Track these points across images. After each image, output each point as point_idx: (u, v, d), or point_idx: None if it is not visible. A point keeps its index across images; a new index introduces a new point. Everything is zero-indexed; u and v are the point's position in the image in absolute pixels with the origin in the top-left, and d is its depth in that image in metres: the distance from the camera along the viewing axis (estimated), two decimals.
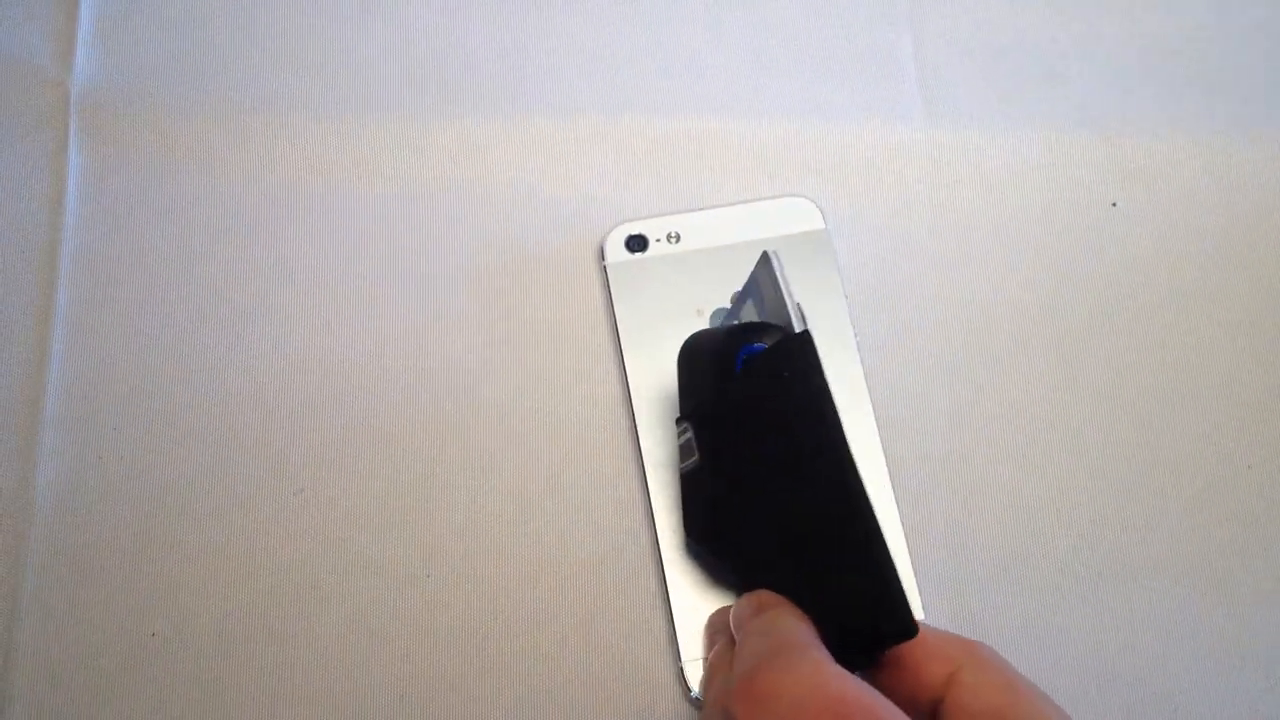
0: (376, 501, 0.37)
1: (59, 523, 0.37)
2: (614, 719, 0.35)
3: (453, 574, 0.37)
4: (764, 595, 0.31)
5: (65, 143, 0.41)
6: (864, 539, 0.29)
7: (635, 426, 0.38)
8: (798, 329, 0.31)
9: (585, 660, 0.36)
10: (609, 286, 0.40)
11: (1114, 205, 0.43)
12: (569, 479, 0.38)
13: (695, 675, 0.35)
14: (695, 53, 0.44)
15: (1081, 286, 0.42)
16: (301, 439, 0.38)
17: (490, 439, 0.38)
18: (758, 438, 0.32)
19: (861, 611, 0.29)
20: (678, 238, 0.41)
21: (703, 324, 0.39)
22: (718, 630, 0.34)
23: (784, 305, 0.32)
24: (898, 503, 0.38)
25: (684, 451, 0.36)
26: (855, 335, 0.39)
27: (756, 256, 0.34)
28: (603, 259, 0.40)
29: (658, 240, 0.40)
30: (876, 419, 0.38)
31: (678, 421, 0.36)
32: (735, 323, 0.36)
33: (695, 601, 0.35)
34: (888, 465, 0.38)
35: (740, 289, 0.36)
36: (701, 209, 0.41)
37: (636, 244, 0.40)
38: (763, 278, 0.34)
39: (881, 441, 0.38)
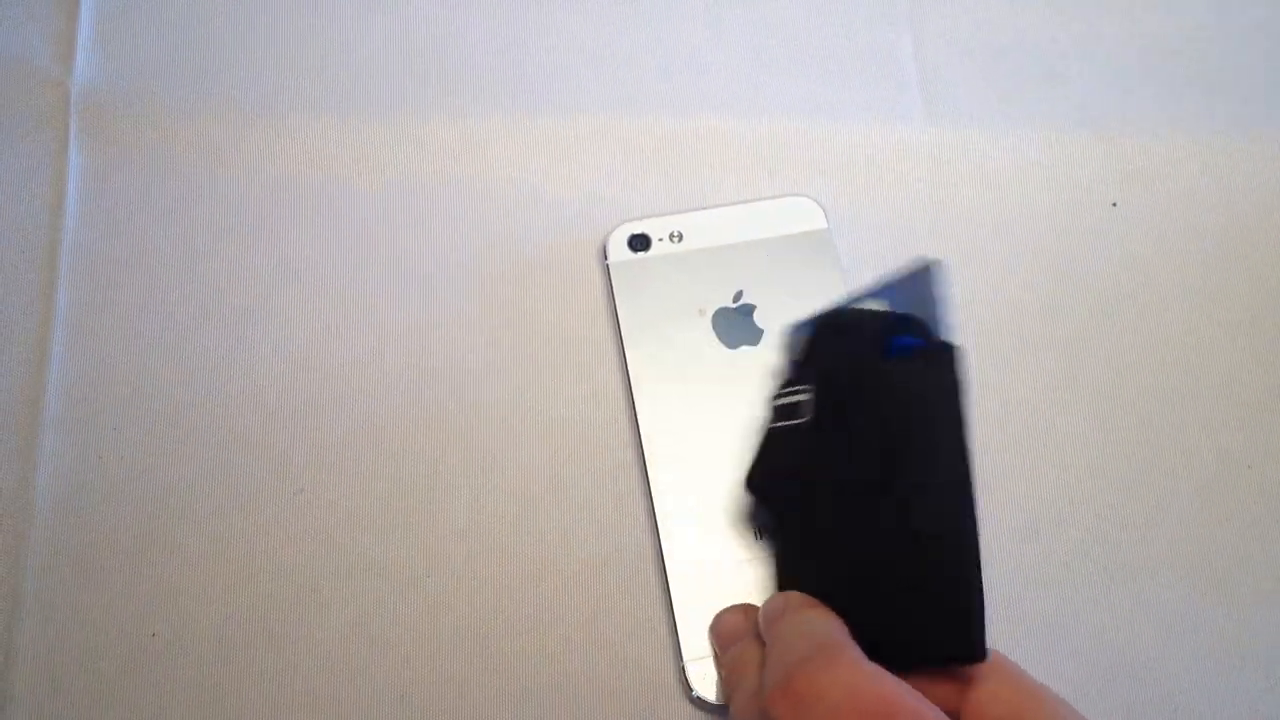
0: (378, 502, 0.37)
1: (59, 523, 0.37)
2: (617, 719, 0.35)
3: (454, 575, 0.36)
4: (793, 595, 0.31)
5: (65, 143, 0.41)
6: (961, 558, 0.29)
7: (638, 426, 0.38)
8: None
9: (588, 660, 0.35)
10: (611, 286, 0.40)
11: (1114, 205, 0.43)
12: (571, 479, 0.38)
13: (697, 675, 0.34)
14: (696, 51, 0.44)
15: (1081, 286, 0.42)
16: (302, 440, 0.38)
17: (492, 439, 0.38)
18: (889, 421, 0.32)
19: (936, 621, 0.29)
20: (680, 237, 0.41)
21: (705, 323, 0.39)
22: (725, 632, 0.34)
23: (935, 317, 0.32)
24: None
25: (785, 411, 0.35)
26: None
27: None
28: (605, 258, 0.40)
29: (660, 239, 0.40)
30: None
31: (788, 381, 0.35)
32: (896, 311, 0.36)
33: (698, 601, 0.35)
34: None
35: (874, 284, 0.36)
36: (704, 208, 0.41)
37: (639, 243, 0.40)
38: (915, 285, 0.34)
39: None
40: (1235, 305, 0.42)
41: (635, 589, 0.36)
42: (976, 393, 0.40)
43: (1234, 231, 0.43)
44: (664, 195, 0.42)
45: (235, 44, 0.43)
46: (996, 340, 0.41)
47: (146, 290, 0.40)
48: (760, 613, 0.32)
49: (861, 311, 0.36)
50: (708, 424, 0.38)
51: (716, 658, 0.34)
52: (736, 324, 0.39)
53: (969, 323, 0.41)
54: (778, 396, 0.35)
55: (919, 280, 0.34)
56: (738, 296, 0.40)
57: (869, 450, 0.32)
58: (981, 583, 0.29)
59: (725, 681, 0.33)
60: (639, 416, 0.38)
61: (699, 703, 0.34)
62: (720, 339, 0.39)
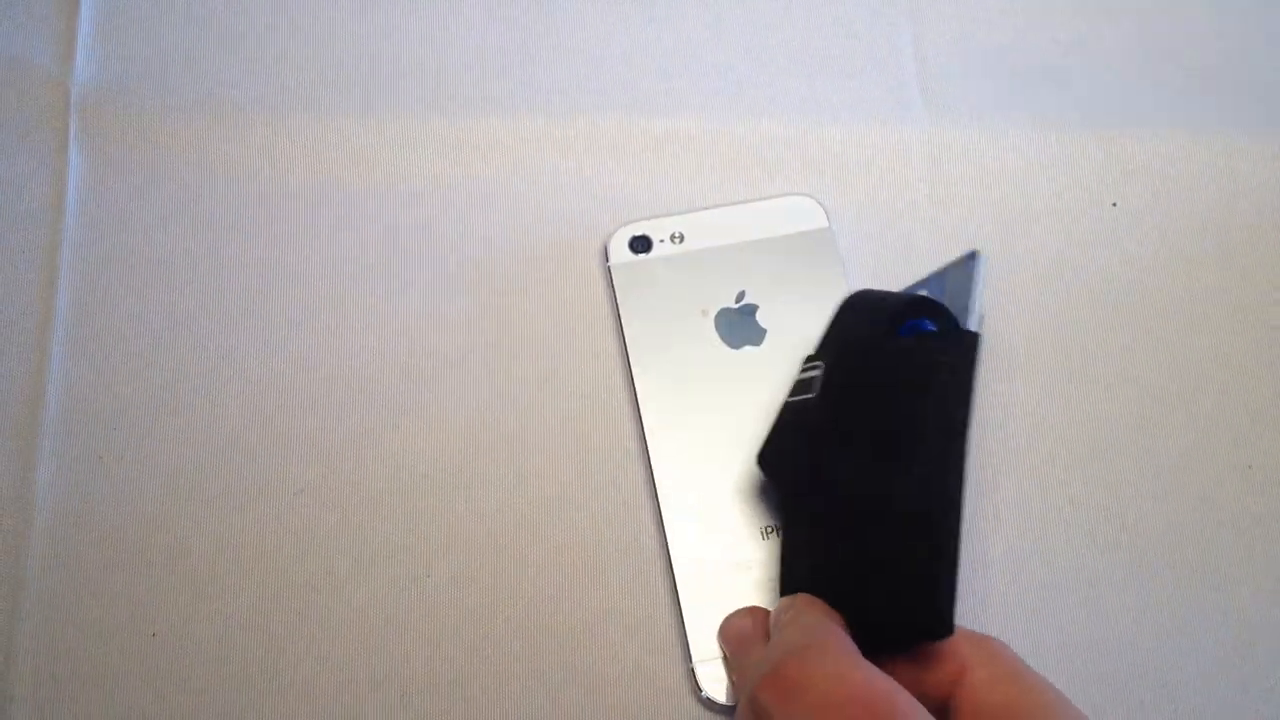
0: (378, 502, 0.37)
1: (59, 523, 0.36)
2: (622, 719, 0.35)
3: (456, 575, 0.36)
4: (801, 597, 0.32)
5: (65, 143, 0.41)
6: (934, 531, 0.29)
7: (641, 426, 0.38)
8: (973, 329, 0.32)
9: (592, 661, 0.35)
10: (613, 287, 0.40)
11: (1114, 205, 0.43)
12: (573, 479, 0.38)
13: (706, 676, 0.34)
14: (695, 51, 0.44)
15: (1081, 286, 0.42)
16: (302, 440, 0.38)
17: (493, 441, 0.38)
18: (886, 401, 0.32)
19: (901, 596, 0.29)
20: (681, 238, 0.41)
21: (708, 324, 0.39)
22: (734, 635, 0.34)
23: (968, 306, 0.33)
24: None
25: (801, 386, 0.35)
26: None
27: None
28: (606, 260, 0.40)
29: (661, 241, 0.40)
30: None
31: (809, 359, 0.36)
32: (916, 293, 0.36)
33: (706, 602, 0.35)
34: None
35: (924, 278, 0.36)
36: (705, 208, 0.41)
37: (640, 245, 0.40)
38: (958, 274, 0.34)
39: None
40: (1235, 305, 0.42)
41: (640, 590, 0.36)
42: (976, 393, 0.40)
43: (1234, 231, 0.43)
44: (664, 196, 0.42)
45: (235, 44, 0.43)
46: (996, 338, 0.41)
47: (146, 290, 0.40)
48: (772, 617, 0.32)
49: (885, 294, 0.36)
50: (713, 424, 0.38)
51: (726, 660, 0.34)
52: (739, 324, 0.39)
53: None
54: (801, 372, 0.36)
55: (961, 270, 0.34)
56: (740, 297, 0.40)
57: (862, 427, 0.32)
58: (956, 559, 0.30)
59: (736, 687, 0.34)
60: (643, 418, 0.38)
61: (709, 703, 0.34)
62: (723, 339, 0.39)
